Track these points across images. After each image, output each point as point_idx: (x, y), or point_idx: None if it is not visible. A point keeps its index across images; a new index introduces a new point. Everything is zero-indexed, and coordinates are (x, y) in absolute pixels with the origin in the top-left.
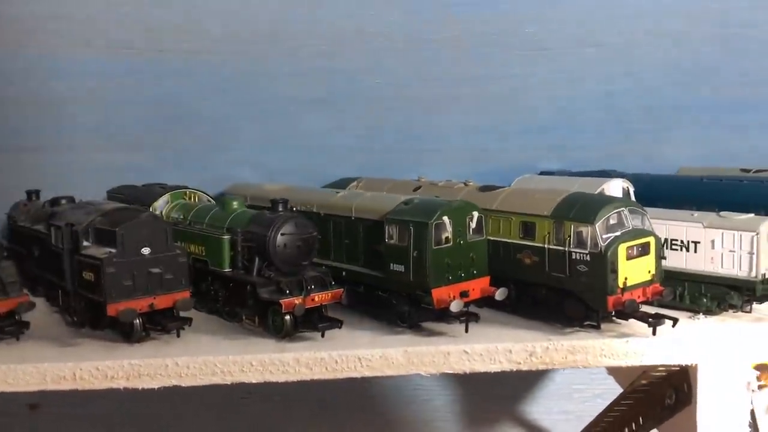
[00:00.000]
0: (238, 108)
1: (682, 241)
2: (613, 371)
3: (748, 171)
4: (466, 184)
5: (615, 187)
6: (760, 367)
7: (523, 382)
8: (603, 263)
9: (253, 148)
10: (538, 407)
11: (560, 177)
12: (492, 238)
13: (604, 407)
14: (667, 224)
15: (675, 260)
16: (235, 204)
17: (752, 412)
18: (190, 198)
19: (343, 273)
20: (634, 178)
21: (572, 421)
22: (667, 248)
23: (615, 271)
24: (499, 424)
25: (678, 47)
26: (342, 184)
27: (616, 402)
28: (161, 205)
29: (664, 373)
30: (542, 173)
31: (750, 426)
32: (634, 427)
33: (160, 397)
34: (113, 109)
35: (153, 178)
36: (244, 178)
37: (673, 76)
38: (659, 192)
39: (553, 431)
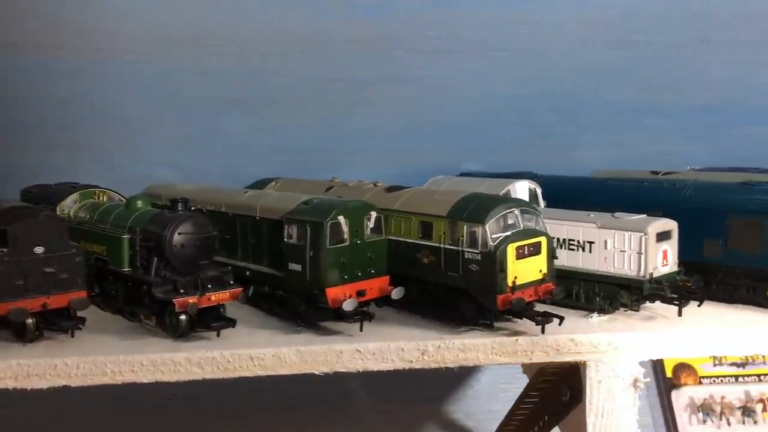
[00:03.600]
0: (151, 108)
1: (578, 241)
2: (528, 369)
3: (657, 173)
4: (375, 185)
5: (521, 188)
6: (680, 367)
7: (448, 383)
8: (492, 262)
9: (170, 148)
10: (464, 407)
11: (472, 178)
12: (394, 238)
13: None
14: (565, 225)
15: (572, 260)
16: (139, 203)
17: (671, 410)
18: (99, 197)
19: (247, 273)
20: (548, 180)
21: (497, 420)
22: (564, 248)
23: (504, 271)
24: (424, 425)
25: (581, 52)
26: (262, 184)
27: (521, 401)
28: (69, 204)
29: (558, 371)
30: (462, 174)
31: (668, 423)
32: (541, 425)
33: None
34: (24, 108)
35: (70, 179)
36: (165, 179)
37: (580, 80)
38: (571, 194)
39: (478, 431)
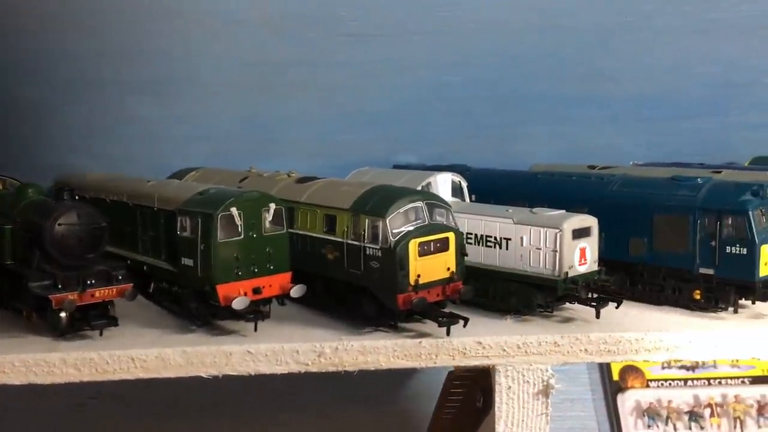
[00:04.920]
0: (53, 91)
1: (495, 238)
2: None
3: (594, 167)
4: (289, 175)
5: (443, 181)
6: (627, 369)
7: (390, 382)
8: (392, 259)
9: (83, 135)
10: (406, 407)
11: (393, 170)
12: (300, 232)
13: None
14: (483, 220)
15: (489, 257)
16: (30, 191)
17: (616, 414)
18: None
19: (145, 267)
20: (479, 174)
21: None
22: (482, 245)
23: (405, 268)
24: (364, 425)
25: (507, 37)
26: (181, 174)
27: (442, 405)
28: None
29: (473, 375)
30: (396, 167)
31: (613, 427)
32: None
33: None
34: None
35: None
36: (82, 168)
37: (511, 68)
38: (502, 188)
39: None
